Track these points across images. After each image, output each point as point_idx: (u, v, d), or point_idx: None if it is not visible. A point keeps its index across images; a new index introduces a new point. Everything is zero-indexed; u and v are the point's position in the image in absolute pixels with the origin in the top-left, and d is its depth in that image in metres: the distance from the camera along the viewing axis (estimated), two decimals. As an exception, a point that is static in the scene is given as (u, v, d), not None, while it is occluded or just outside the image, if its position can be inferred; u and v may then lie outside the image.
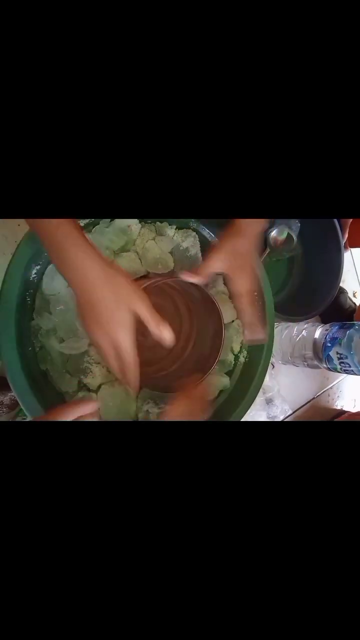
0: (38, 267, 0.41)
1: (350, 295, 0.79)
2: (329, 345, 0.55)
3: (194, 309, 0.51)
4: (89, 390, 0.44)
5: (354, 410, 0.77)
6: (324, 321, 0.72)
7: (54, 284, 0.42)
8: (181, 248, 0.50)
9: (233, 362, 0.53)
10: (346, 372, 0.55)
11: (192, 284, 0.43)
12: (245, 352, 0.53)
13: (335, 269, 0.68)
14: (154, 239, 0.48)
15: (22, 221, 0.49)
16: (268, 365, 0.52)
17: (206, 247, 0.52)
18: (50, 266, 0.42)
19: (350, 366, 0.53)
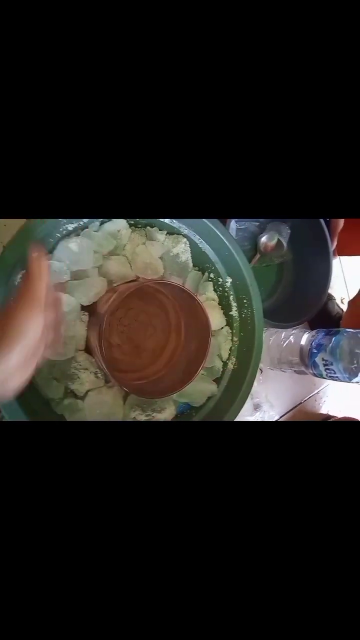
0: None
1: (338, 301, 0.80)
2: (315, 351, 0.56)
3: (182, 315, 0.51)
4: (75, 396, 0.44)
5: (339, 416, 0.78)
6: (311, 327, 0.73)
7: (41, 288, 0.41)
8: (171, 254, 0.49)
9: (221, 369, 0.53)
10: (331, 378, 0.56)
11: (181, 289, 0.43)
12: (234, 358, 0.53)
13: (324, 275, 0.69)
14: (144, 243, 0.48)
15: (9, 221, 0.48)
16: (256, 372, 0.52)
17: (197, 254, 0.52)
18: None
19: (335, 372, 0.54)
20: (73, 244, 0.41)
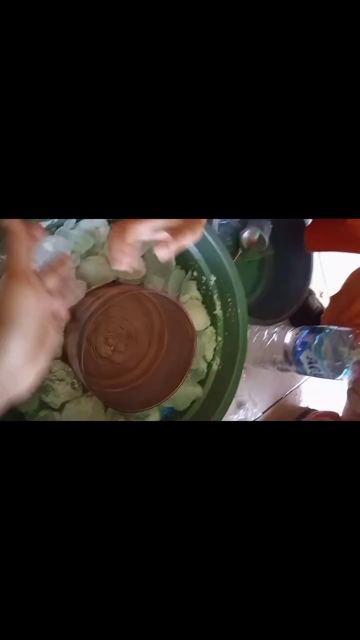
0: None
1: (317, 295, 0.81)
2: (300, 349, 0.56)
3: (165, 318, 0.49)
4: (51, 409, 0.41)
5: (320, 410, 0.79)
6: (292, 323, 0.73)
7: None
8: (153, 252, 0.47)
9: (206, 370, 0.51)
10: (316, 376, 0.56)
11: (167, 298, 0.40)
12: (219, 359, 0.52)
13: (305, 270, 0.68)
14: (124, 242, 0.45)
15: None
16: (241, 372, 0.51)
17: (180, 253, 0.49)
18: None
19: (320, 370, 0.54)
20: (47, 244, 0.38)
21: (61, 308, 0.27)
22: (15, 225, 0.25)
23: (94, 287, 0.43)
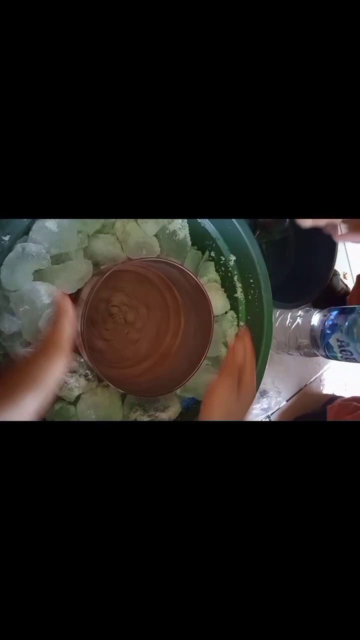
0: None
1: (341, 277, 0.76)
2: (329, 332, 0.52)
3: (181, 300, 0.45)
4: (66, 402, 0.38)
5: (346, 395, 0.75)
6: (315, 306, 0.68)
7: (14, 277, 0.34)
8: (167, 231, 0.43)
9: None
10: (347, 360, 0.52)
11: (180, 270, 0.37)
12: (241, 345, 0.48)
13: (330, 250, 0.63)
14: (136, 220, 0.41)
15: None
16: (267, 359, 0.47)
17: (196, 231, 0.46)
18: (10, 255, 0.34)
19: (352, 354, 0.50)
20: (52, 223, 0.34)
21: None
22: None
23: (102, 267, 0.39)
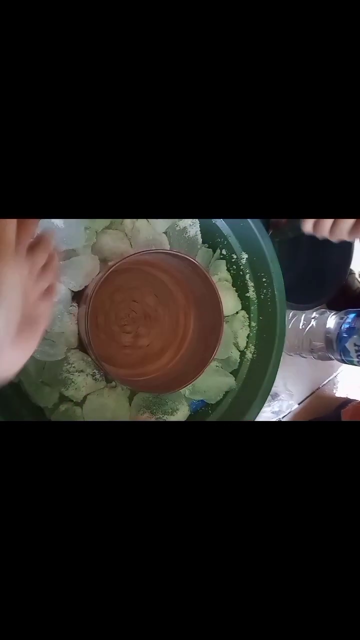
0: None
1: (356, 276, 0.73)
2: (345, 336, 0.50)
3: (192, 298, 0.44)
4: (72, 402, 0.37)
5: (355, 397, 0.73)
6: (330, 307, 0.66)
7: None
8: (178, 228, 0.42)
9: (238, 359, 0.46)
10: (364, 365, 0.50)
11: (192, 267, 0.36)
12: (253, 347, 0.46)
13: (346, 249, 0.61)
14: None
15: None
16: (279, 360, 0.46)
17: (207, 227, 0.44)
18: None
19: (369, 359, 0.48)
20: (58, 219, 0.34)
21: (52, 285, 0.26)
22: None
23: (110, 263, 0.38)
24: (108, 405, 0.38)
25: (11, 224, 0.23)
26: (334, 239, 0.42)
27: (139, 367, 0.44)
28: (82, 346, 0.38)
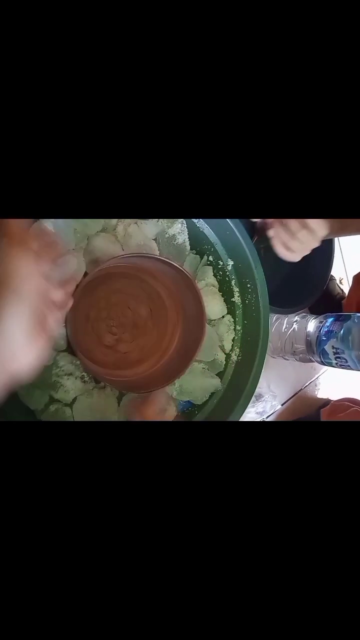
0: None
1: (337, 282, 0.76)
2: (324, 339, 0.52)
3: (182, 315, 0.45)
4: (62, 403, 0.38)
5: (336, 398, 0.76)
6: (312, 311, 0.69)
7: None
8: (167, 235, 0.43)
9: (224, 361, 0.48)
10: (342, 367, 0.52)
11: (178, 271, 0.37)
12: (238, 349, 0.48)
13: (327, 256, 0.64)
14: (136, 223, 0.41)
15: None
16: (263, 363, 0.48)
17: (195, 235, 0.46)
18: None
19: (347, 361, 0.50)
20: (47, 222, 0.34)
21: (63, 297, 0.26)
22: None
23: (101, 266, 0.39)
24: (97, 405, 0.39)
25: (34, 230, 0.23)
26: (295, 257, 0.44)
27: (113, 368, 0.45)
28: (70, 349, 0.39)
